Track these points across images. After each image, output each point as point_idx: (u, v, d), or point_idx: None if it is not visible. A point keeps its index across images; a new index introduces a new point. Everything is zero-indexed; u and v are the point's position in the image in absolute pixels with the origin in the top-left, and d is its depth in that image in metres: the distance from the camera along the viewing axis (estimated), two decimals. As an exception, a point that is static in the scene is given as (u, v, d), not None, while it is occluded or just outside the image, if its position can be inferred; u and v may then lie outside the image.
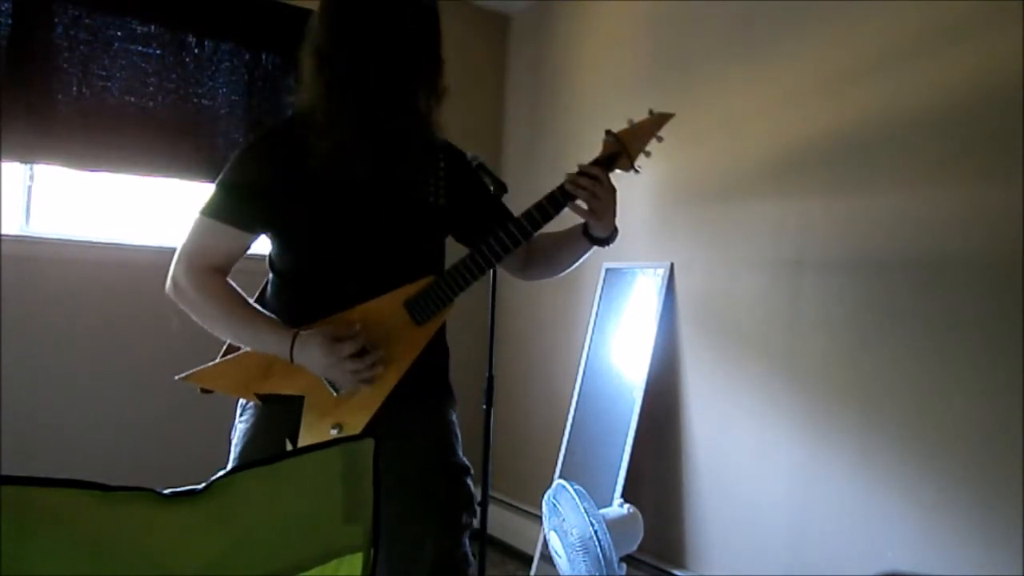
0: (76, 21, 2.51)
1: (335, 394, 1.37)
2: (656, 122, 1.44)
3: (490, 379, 2.27)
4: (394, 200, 1.41)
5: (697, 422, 2.69)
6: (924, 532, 2.05)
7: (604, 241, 1.47)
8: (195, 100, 2.76)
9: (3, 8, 2.36)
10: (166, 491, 0.79)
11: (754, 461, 2.49)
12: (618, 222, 1.47)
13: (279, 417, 1.40)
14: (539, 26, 3.58)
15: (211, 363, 1.45)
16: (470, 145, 1.73)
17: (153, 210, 2.85)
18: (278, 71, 2.94)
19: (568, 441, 2.95)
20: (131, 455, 2.59)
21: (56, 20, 2.46)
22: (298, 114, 1.39)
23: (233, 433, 1.46)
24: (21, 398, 2.42)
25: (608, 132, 1.44)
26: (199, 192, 2.86)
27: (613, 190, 1.40)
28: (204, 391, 1.44)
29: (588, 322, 3.03)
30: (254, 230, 1.41)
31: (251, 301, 1.43)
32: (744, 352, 2.56)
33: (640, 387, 2.72)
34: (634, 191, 2.98)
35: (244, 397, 1.43)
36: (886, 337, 2.18)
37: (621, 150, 1.43)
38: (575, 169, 1.40)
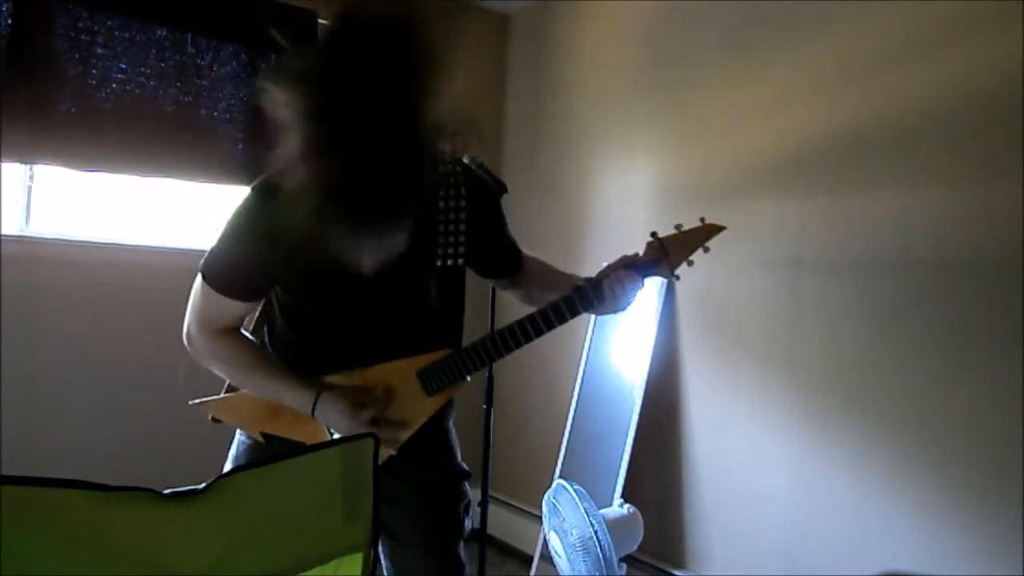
0: (76, 21, 2.50)
1: None
2: (706, 233, 1.39)
3: (490, 379, 2.26)
4: (405, 268, 1.30)
5: (697, 422, 2.69)
6: (924, 532, 2.05)
7: (598, 315, 1.45)
8: (195, 100, 2.76)
9: (3, 8, 2.36)
10: (166, 491, 0.79)
11: (754, 461, 2.49)
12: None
13: (282, 448, 1.40)
14: (539, 25, 3.58)
15: (223, 395, 1.46)
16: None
17: (153, 210, 2.85)
18: (278, 71, 2.93)
19: (568, 441, 2.95)
20: (131, 455, 2.59)
21: (56, 20, 2.46)
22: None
23: (232, 445, 1.47)
24: (21, 398, 2.42)
25: (653, 235, 1.39)
26: (198, 192, 2.87)
27: (640, 290, 1.36)
28: (215, 420, 1.46)
29: (588, 322, 3.03)
30: (258, 299, 1.38)
31: (267, 352, 1.40)
32: (744, 352, 2.56)
33: (640, 387, 2.72)
34: (634, 191, 2.98)
35: (251, 433, 1.44)
36: (886, 337, 2.18)
37: (663, 257, 1.38)
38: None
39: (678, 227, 1.39)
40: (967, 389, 2.00)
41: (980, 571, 1.92)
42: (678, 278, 1.40)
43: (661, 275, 1.39)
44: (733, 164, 2.62)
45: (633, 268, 1.36)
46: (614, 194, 3.07)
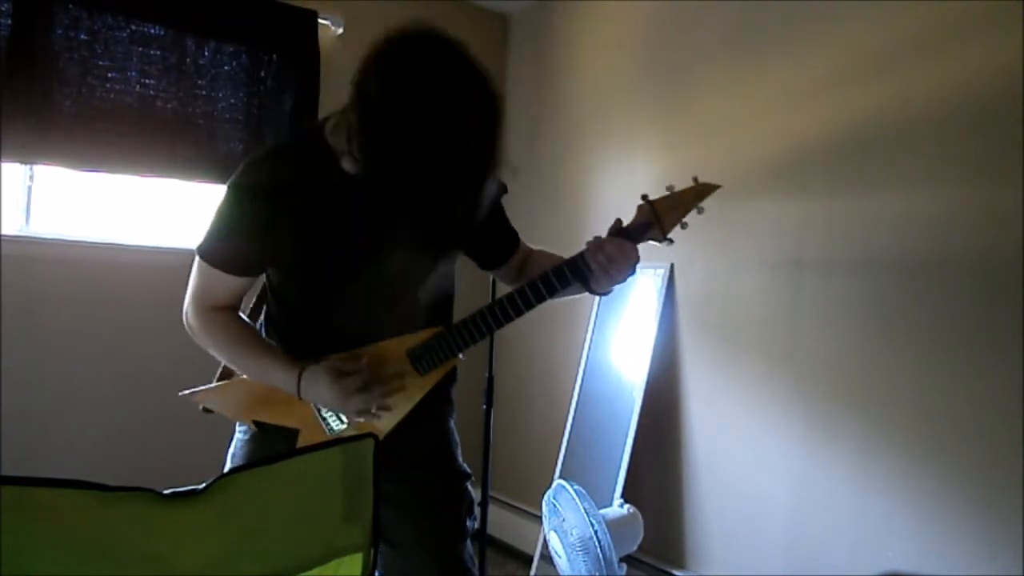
0: (76, 21, 2.50)
1: (328, 434, 1.39)
2: (699, 193, 1.33)
3: (490, 379, 2.27)
4: (401, 242, 1.33)
5: (697, 422, 2.69)
6: (924, 532, 2.05)
7: (602, 294, 1.40)
8: (195, 100, 2.76)
9: (3, 8, 2.36)
10: (166, 491, 0.79)
11: (754, 461, 2.49)
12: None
13: (276, 436, 1.41)
14: (539, 25, 3.58)
15: (213, 385, 1.46)
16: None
17: (153, 210, 2.84)
18: (278, 71, 2.93)
19: (568, 441, 2.95)
20: (131, 455, 2.59)
21: (56, 20, 2.46)
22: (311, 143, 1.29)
23: (231, 442, 1.47)
24: (21, 398, 2.42)
25: (644, 198, 1.34)
26: (199, 192, 2.87)
27: (637, 259, 1.31)
28: (206, 410, 1.46)
29: (588, 322, 3.03)
30: (255, 273, 1.38)
31: (260, 333, 1.41)
32: (744, 352, 2.56)
33: (640, 387, 2.72)
34: (634, 191, 2.98)
35: (242, 422, 1.44)
36: (886, 337, 2.18)
37: (654, 220, 1.32)
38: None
39: (670, 188, 1.34)
40: (967, 389, 2.00)
41: (980, 571, 1.92)
42: (671, 242, 1.34)
43: (654, 239, 1.34)
44: (733, 164, 2.62)
45: (623, 235, 1.32)
46: (614, 194, 3.07)
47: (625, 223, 1.34)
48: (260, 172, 1.29)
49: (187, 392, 1.45)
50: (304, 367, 1.32)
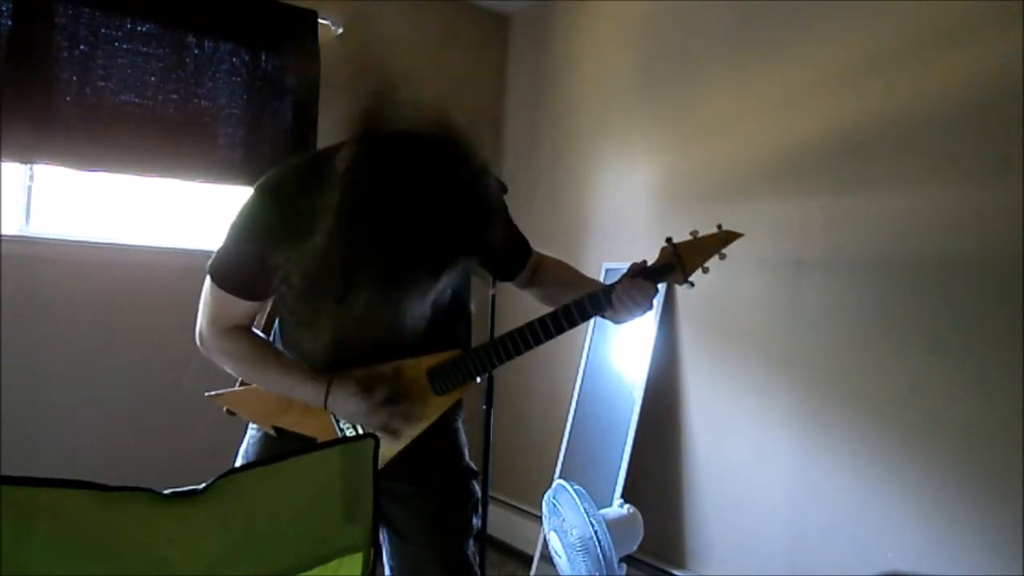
0: (76, 21, 2.50)
1: None
2: (722, 239, 1.37)
3: (490, 379, 2.26)
4: (415, 264, 1.30)
5: (697, 422, 2.69)
6: (924, 532, 2.05)
7: (616, 322, 1.43)
8: (195, 100, 2.75)
9: (3, 8, 2.36)
10: (167, 491, 0.79)
11: (754, 461, 2.49)
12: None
13: (292, 443, 1.41)
14: (539, 26, 3.58)
15: (237, 388, 1.47)
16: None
17: (153, 210, 2.84)
18: (278, 71, 2.93)
19: (568, 441, 2.95)
20: (132, 455, 2.59)
21: (56, 20, 2.46)
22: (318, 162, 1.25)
23: (243, 437, 1.48)
24: (21, 398, 2.42)
25: (668, 240, 1.38)
26: (199, 192, 2.87)
27: (655, 296, 1.37)
28: (230, 412, 1.47)
29: (588, 322, 3.02)
30: (265, 297, 1.38)
31: (279, 348, 1.42)
32: (744, 352, 2.56)
33: (640, 387, 2.72)
34: (634, 191, 2.98)
35: (263, 427, 1.45)
36: (886, 337, 2.18)
37: (677, 263, 1.36)
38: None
39: (694, 233, 1.38)
40: (967, 389, 2.00)
41: (980, 571, 1.92)
42: (692, 285, 1.39)
43: (675, 282, 1.39)
44: (733, 164, 2.62)
45: (646, 275, 1.36)
46: (614, 194, 3.07)
47: (649, 262, 1.39)
48: (271, 198, 1.27)
49: (213, 393, 1.46)
50: (332, 381, 1.33)
